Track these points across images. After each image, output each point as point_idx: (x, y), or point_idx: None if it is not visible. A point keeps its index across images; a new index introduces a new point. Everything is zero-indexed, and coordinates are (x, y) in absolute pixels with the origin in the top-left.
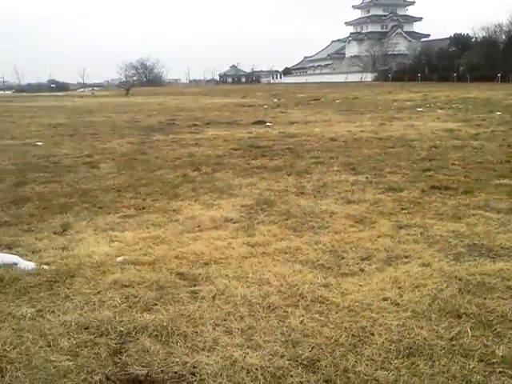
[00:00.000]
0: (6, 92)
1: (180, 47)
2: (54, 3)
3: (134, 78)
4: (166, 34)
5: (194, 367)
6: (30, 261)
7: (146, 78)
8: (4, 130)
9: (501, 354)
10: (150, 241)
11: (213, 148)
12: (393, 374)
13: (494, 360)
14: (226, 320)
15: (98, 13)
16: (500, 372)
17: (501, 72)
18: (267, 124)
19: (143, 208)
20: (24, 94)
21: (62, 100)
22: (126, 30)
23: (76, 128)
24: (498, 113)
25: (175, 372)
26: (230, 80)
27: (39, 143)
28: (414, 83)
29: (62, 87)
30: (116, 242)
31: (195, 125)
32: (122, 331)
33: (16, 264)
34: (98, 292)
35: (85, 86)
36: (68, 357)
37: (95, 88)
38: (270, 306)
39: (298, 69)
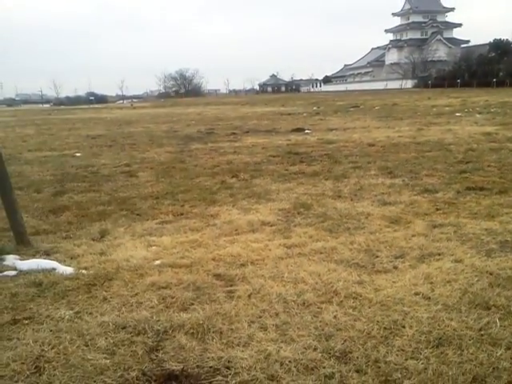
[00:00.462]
0: (45, 105)
1: (219, 57)
2: (92, 15)
3: (174, 89)
4: (206, 44)
5: (229, 362)
6: (69, 266)
7: (185, 89)
8: (43, 142)
9: None
10: (187, 245)
11: (251, 155)
12: (422, 363)
13: None
14: (261, 317)
15: (137, 24)
16: None
17: None
18: (306, 131)
19: (181, 214)
20: (62, 106)
21: (100, 112)
22: (165, 40)
23: (114, 139)
24: None
25: (210, 367)
26: (269, 89)
27: (78, 154)
28: (454, 89)
29: (100, 99)
30: (154, 247)
31: (234, 133)
32: (158, 330)
33: (54, 269)
34: (136, 294)
35: (124, 97)
36: (105, 355)
37: (134, 100)
38: (304, 303)
39: (338, 77)
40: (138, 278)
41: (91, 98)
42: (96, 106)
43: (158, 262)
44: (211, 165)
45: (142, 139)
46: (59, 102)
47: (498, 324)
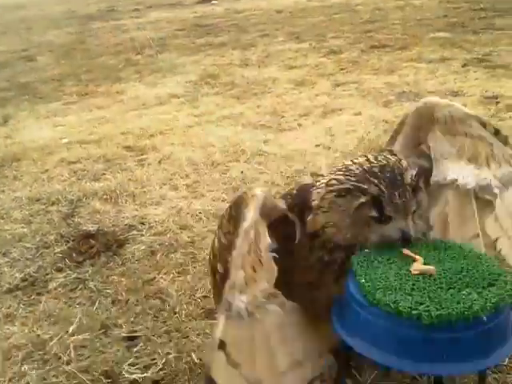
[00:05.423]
0: None
1: None
2: None
3: None
4: None
5: (143, 218)
6: None
7: None
8: None
9: None
10: (94, 122)
11: (156, 31)
12: None
13: None
14: (171, 179)
15: None
16: None
17: None
18: (213, 2)
19: (86, 94)
20: None
21: None
22: None
23: (7, 24)
24: None
25: (125, 224)
26: None
27: None
28: None
29: None
30: (60, 127)
31: (137, 9)
32: (72, 199)
33: None
34: (46, 170)
35: None
36: (22, 225)
37: None
38: (213, 163)
39: None
40: (46, 156)
41: None
42: None
43: (65, 140)
44: (114, 43)
45: (38, 22)
46: None
47: None
